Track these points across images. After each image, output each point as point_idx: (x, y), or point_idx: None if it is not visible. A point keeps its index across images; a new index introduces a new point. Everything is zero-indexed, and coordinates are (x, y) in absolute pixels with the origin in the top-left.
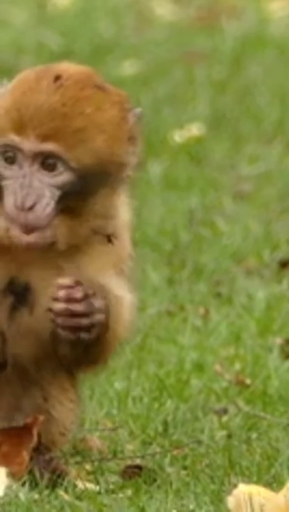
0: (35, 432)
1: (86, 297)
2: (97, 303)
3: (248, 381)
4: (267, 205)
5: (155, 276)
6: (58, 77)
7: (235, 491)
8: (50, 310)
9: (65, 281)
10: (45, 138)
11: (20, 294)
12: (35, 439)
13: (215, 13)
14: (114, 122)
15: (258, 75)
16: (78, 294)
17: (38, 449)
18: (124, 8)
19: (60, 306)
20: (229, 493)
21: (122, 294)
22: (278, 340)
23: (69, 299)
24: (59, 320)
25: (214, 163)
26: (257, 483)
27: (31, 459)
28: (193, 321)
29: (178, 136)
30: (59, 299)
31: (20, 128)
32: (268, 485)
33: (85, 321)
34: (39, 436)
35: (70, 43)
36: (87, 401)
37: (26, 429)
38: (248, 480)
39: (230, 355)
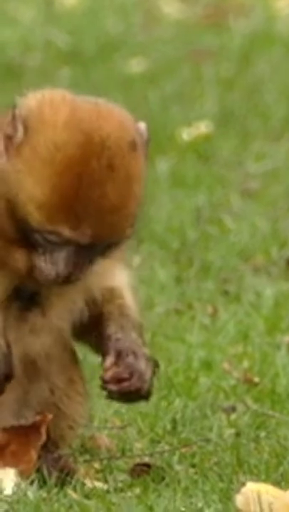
0: (43, 430)
1: (132, 373)
2: (143, 364)
3: (256, 379)
4: (274, 202)
5: (163, 274)
6: (105, 152)
7: (244, 489)
8: (102, 385)
9: (109, 361)
10: (103, 233)
11: (29, 299)
12: (43, 437)
13: (222, 11)
14: (143, 183)
15: (266, 72)
16: (125, 373)
17: (47, 447)
18: (132, 6)
19: (112, 387)
20: (237, 491)
21: (129, 286)
22: (286, 338)
23: (118, 380)
24: (113, 389)
25: (222, 161)
26: (265, 481)
27: (39, 457)
28: (201, 319)
29: (186, 134)
30: (108, 381)
31: (75, 224)
32: (277, 483)
33: (136, 384)
34: (48, 434)
35: (78, 41)
36: (95, 399)
37: (34, 427)
38: (257, 478)
39: (239, 353)
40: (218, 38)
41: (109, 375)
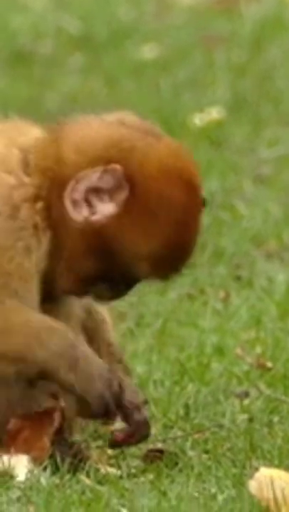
0: (56, 416)
1: (140, 427)
2: (144, 411)
3: (269, 364)
4: (287, 188)
5: None
6: (200, 198)
7: (257, 475)
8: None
9: (118, 425)
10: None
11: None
12: (56, 423)
13: None
14: None
15: (278, 58)
16: (134, 440)
17: (60, 434)
18: None
19: (124, 444)
20: (251, 476)
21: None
22: None
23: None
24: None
25: (234, 147)
26: (278, 466)
27: (52, 443)
28: (213, 305)
29: (198, 120)
30: (122, 442)
31: (177, 268)
32: None
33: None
34: (62, 420)
35: (89, 27)
36: None
37: (47, 413)
38: (270, 464)
39: (251, 339)
40: (230, 24)
41: (121, 437)
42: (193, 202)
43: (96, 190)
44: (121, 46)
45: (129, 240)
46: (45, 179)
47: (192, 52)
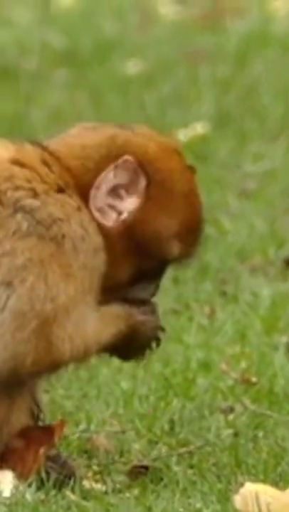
0: (57, 436)
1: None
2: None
3: (254, 379)
4: (272, 202)
5: None
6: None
7: (242, 490)
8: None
9: None
10: None
11: None
12: (55, 442)
13: (218, 12)
14: None
15: (262, 73)
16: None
17: (54, 454)
18: (128, 7)
19: None
20: (236, 491)
21: None
22: (284, 339)
23: None
24: None
25: (219, 162)
26: (264, 481)
27: (46, 459)
28: (198, 320)
29: (182, 135)
30: None
31: (197, 243)
32: (275, 483)
33: None
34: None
35: (74, 42)
36: (93, 400)
37: (49, 431)
38: (255, 478)
39: (236, 354)
40: (215, 38)
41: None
42: (189, 169)
43: (115, 190)
44: (106, 61)
45: (159, 224)
46: (78, 193)
47: (176, 67)
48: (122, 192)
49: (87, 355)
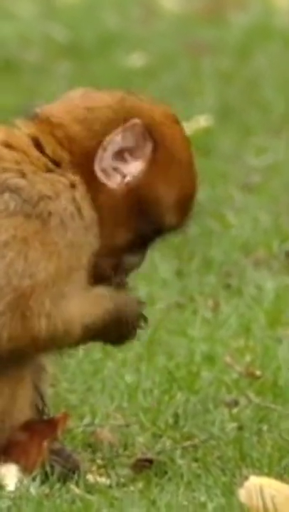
0: (60, 429)
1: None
2: None
3: (258, 373)
4: (275, 196)
5: (164, 268)
6: None
7: (247, 483)
8: None
9: None
10: None
11: None
12: (57, 436)
13: (221, 5)
14: None
15: (265, 66)
16: None
17: (59, 448)
18: (131, 1)
19: None
20: (240, 485)
21: None
22: (288, 332)
23: None
24: None
25: (222, 155)
26: (268, 475)
27: (50, 453)
28: (203, 313)
29: (185, 128)
30: None
31: (191, 214)
32: (279, 477)
33: None
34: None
35: (77, 35)
36: (97, 394)
37: (52, 424)
38: (259, 472)
39: (241, 347)
40: (217, 31)
41: None
42: (188, 138)
43: (121, 153)
44: (108, 54)
45: (161, 191)
46: (74, 167)
47: (179, 60)
48: (127, 155)
49: (70, 334)
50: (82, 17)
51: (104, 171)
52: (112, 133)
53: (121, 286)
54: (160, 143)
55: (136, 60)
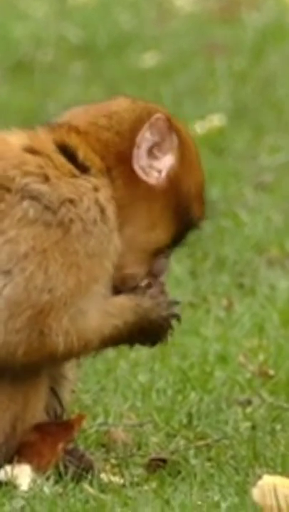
0: (75, 430)
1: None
2: None
3: (271, 372)
4: (288, 195)
5: (178, 268)
6: None
7: (260, 483)
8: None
9: None
10: None
11: None
12: (73, 437)
13: (235, 5)
14: None
15: (279, 65)
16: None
17: (72, 447)
18: (144, 1)
19: None
20: (254, 484)
21: None
22: None
23: None
24: None
25: (235, 154)
26: (281, 474)
27: (64, 453)
28: (216, 313)
29: (199, 128)
30: None
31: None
32: None
33: None
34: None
35: (90, 35)
36: (111, 394)
37: (67, 425)
38: (273, 471)
39: (254, 347)
40: (231, 31)
41: None
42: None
43: (152, 149)
44: (122, 54)
45: (189, 183)
46: (104, 170)
47: (193, 60)
48: (156, 151)
49: (89, 347)
50: (96, 17)
51: (142, 169)
52: (141, 130)
53: (158, 294)
54: (179, 135)
55: (149, 59)
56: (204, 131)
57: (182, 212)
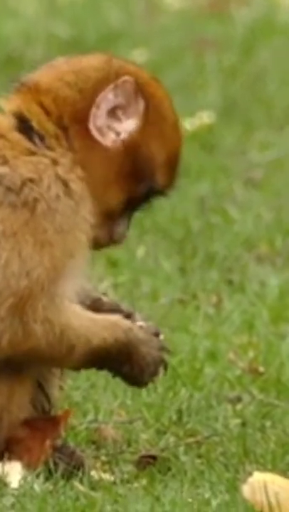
0: (62, 426)
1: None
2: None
3: (261, 369)
4: (278, 191)
5: (167, 264)
6: None
7: (250, 479)
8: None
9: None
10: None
11: None
12: (60, 433)
13: (224, 0)
14: None
15: (268, 61)
16: None
17: (62, 445)
18: None
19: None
20: (244, 481)
21: None
22: None
23: None
24: None
25: (225, 151)
26: (272, 471)
27: (54, 450)
28: (205, 310)
29: (189, 124)
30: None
31: (177, 177)
32: (283, 473)
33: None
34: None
35: (80, 32)
36: (101, 391)
37: (54, 421)
38: (263, 468)
39: (244, 343)
40: (221, 27)
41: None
42: (170, 98)
43: (114, 111)
44: (111, 50)
45: (153, 150)
46: (60, 134)
47: (182, 56)
48: (120, 113)
49: (74, 352)
50: (85, 13)
51: (98, 129)
52: (104, 91)
53: (153, 333)
54: (150, 101)
55: (139, 56)
56: (194, 127)
57: (141, 178)
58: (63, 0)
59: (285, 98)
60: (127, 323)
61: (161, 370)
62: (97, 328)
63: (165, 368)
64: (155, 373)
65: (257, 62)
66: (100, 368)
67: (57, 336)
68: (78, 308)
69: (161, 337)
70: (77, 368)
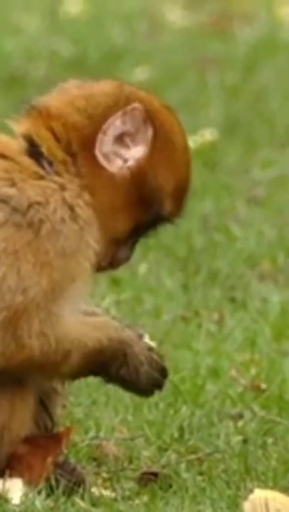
0: (64, 443)
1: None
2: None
3: (263, 386)
4: (281, 209)
5: (170, 281)
6: None
7: (251, 496)
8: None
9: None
10: None
11: None
12: (62, 450)
13: (227, 19)
14: None
15: (271, 79)
16: None
17: (63, 461)
18: (136, 15)
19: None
20: (245, 498)
21: None
22: None
23: None
24: None
25: (228, 168)
26: (273, 488)
27: (55, 466)
28: (208, 327)
29: (191, 142)
30: None
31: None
32: (284, 490)
33: None
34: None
35: (82, 50)
36: (102, 407)
37: (56, 438)
38: (264, 485)
39: (246, 360)
40: (223, 45)
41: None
42: (183, 127)
43: (121, 138)
44: (113, 68)
45: (161, 176)
46: (68, 160)
47: (185, 74)
48: (128, 140)
49: (70, 359)
50: (87, 31)
51: (105, 155)
52: (112, 117)
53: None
54: (159, 129)
55: (141, 73)
56: (196, 145)
57: (148, 205)
58: (66, 17)
59: (288, 116)
60: (115, 322)
61: (159, 376)
62: (90, 329)
63: (159, 389)
64: (151, 376)
65: (259, 81)
66: (96, 373)
67: (52, 347)
68: (71, 316)
69: (146, 338)
70: (73, 375)
